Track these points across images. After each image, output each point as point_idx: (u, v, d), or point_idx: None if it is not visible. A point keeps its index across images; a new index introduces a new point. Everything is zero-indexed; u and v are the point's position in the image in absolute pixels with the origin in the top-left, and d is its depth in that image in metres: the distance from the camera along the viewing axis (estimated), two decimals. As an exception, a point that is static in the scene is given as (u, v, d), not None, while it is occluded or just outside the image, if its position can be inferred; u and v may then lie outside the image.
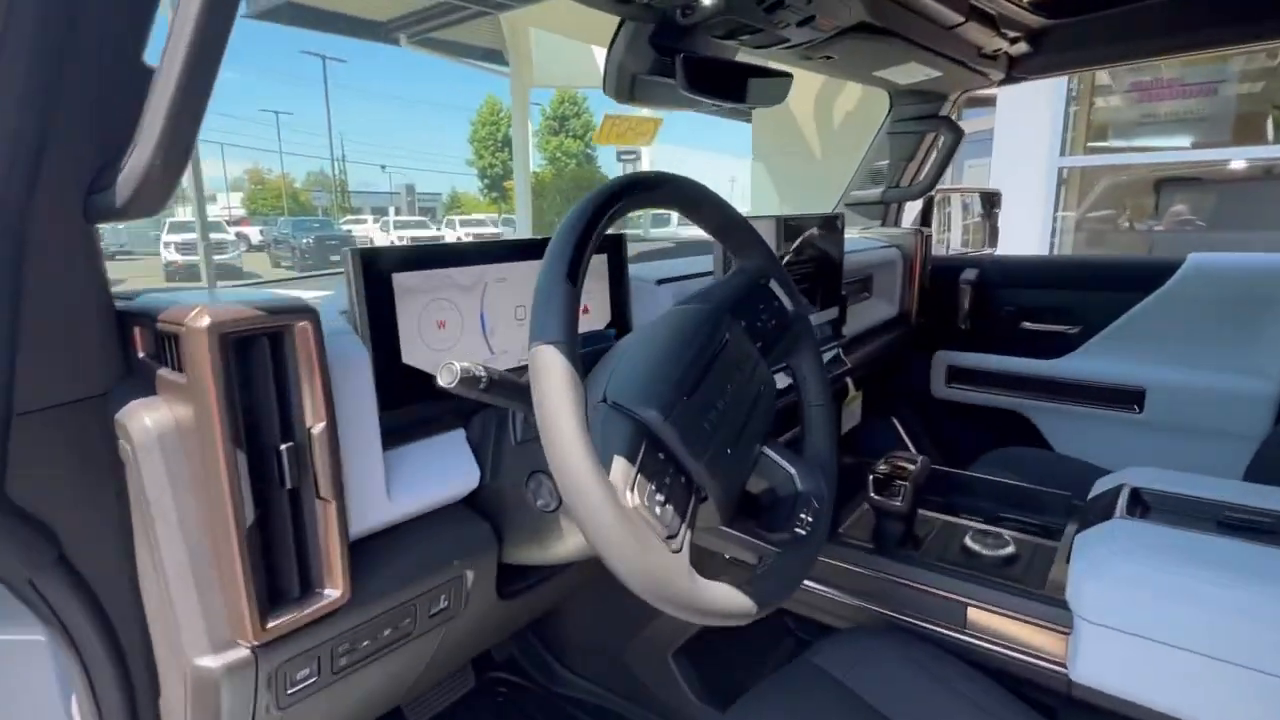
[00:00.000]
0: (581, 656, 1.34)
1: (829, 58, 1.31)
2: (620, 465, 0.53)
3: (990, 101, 5.33)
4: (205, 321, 0.48)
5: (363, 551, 0.63)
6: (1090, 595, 0.77)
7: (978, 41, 1.43)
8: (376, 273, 0.66)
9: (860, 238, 1.77)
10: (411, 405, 0.70)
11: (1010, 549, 0.93)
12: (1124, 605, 0.74)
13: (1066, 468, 1.54)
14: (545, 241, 0.80)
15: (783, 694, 0.83)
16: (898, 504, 0.95)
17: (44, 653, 0.61)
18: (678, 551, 0.53)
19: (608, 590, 1.26)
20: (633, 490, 0.52)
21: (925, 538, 1.00)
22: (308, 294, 0.68)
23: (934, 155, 1.81)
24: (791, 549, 0.67)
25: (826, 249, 1.30)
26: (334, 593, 0.58)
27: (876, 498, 0.96)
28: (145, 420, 0.51)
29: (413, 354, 0.70)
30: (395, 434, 0.68)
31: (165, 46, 0.43)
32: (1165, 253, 1.65)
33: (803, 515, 0.70)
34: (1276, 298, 1.44)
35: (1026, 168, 4.95)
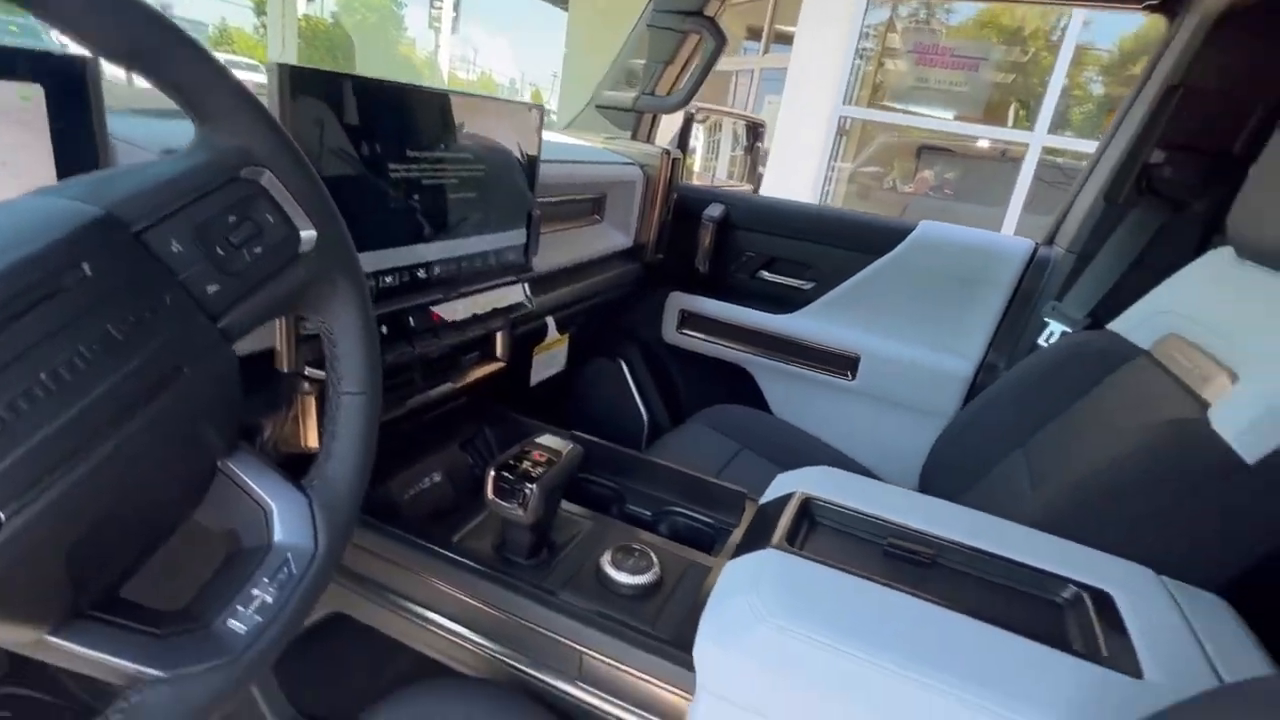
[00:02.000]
0: None
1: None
2: None
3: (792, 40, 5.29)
4: None
5: None
6: (713, 661, 0.58)
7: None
8: None
9: (601, 148, 1.48)
10: None
11: (653, 573, 0.73)
12: (753, 682, 0.56)
13: (775, 432, 1.44)
14: None
15: None
16: (520, 514, 0.70)
17: None
18: None
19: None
20: None
21: (562, 549, 0.77)
22: None
23: (695, 63, 1.55)
24: (206, 669, 0.38)
25: (515, 147, 0.98)
26: None
27: (498, 504, 0.71)
28: None
29: None
30: None
31: None
32: (915, 215, 1.56)
33: (255, 593, 0.41)
34: (988, 279, 1.42)
35: (812, 112, 5.02)
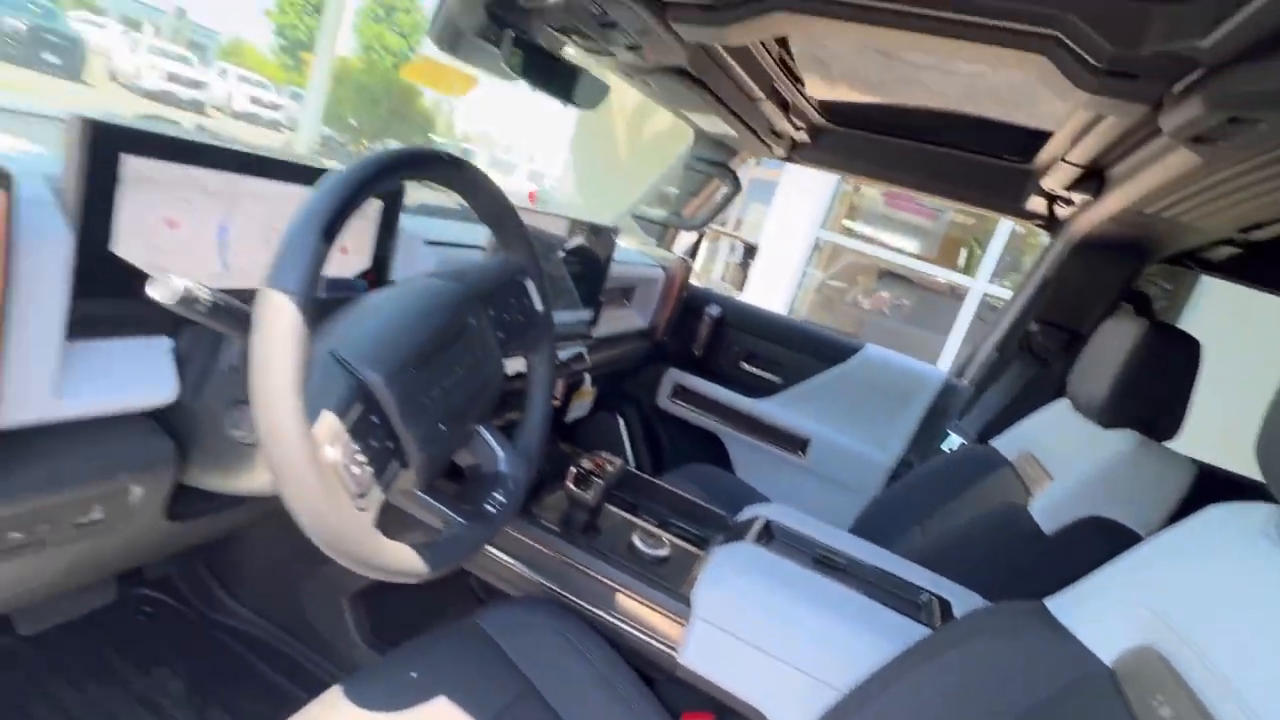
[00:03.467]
0: (250, 586, 1.29)
1: (647, 84, 1.41)
2: (328, 419, 0.56)
3: (784, 160, 6.01)
4: None
5: (11, 443, 0.57)
6: (706, 598, 0.96)
7: (771, 118, 1.65)
8: (104, 149, 0.60)
9: (636, 251, 1.92)
10: (116, 299, 0.64)
11: (665, 551, 1.11)
12: (731, 611, 0.94)
13: (737, 490, 1.84)
14: (316, 171, 0.78)
15: (441, 648, 0.90)
16: (588, 497, 1.08)
17: None
18: (363, 510, 0.58)
19: (291, 524, 1.23)
20: (334, 445, 0.55)
21: (604, 530, 1.14)
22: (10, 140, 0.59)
23: (715, 199, 2.03)
24: (476, 522, 0.75)
25: (597, 253, 1.41)
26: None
27: (573, 489, 1.08)
28: None
29: (129, 246, 0.64)
30: (89, 325, 0.62)
31: None
32: (869, 331, 2.03)
33: (495, 494, 0.78)
34: (911, 395, 1.87)
35: (794, 231, 5.66)
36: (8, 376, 0.55)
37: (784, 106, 1.63)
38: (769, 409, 1.99)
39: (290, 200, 0.78)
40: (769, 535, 1.14)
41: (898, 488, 1.61)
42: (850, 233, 6.40)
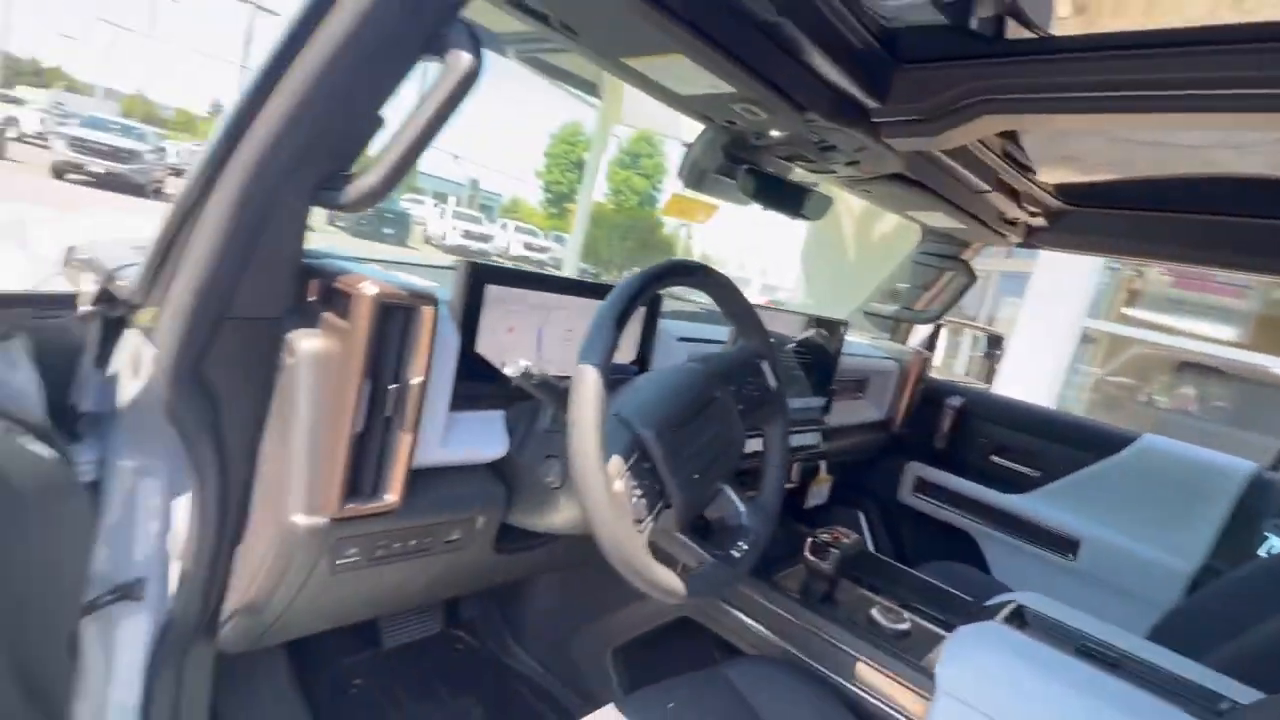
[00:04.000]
0: (532, 635, 1.53)
1: (868, 191, 1.55)
2: (616, 461, 0.74)
3: (1036, 248, 5.57)
4: (372, 292, 0.71)
5: (415, 478, 0.84)
6: (952, 675, 0.96)
7: (1000, 208, 1.67)
8: (477, 281, 0.90)
9: (869, 344, 1.99)
10: (473, 382, 0.92)
11: (906, 626, 1.11)
12: (981, 690, 0.93)
13: (992, 587, 1.72)
14: (600, 287, 1.04)
15: (688, 691, 1.02)
16: (825, 566, 1.14)
17: (162, 476, 0.82)
18: (640, 532, 0.74)
19: (572, 580, 1.46)
20: (620, 479, 0.74)
21: (843, 602, 1.19)
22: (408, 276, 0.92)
23: (948, 291, 2.04)
24: (724, 564, 0.88)
25: (827, 346, 1.52)
26: (392, 499, 0.79)
27: (810, 558, 1.16)
28: (310, 344, 0.73)
29: (485, 346, 0.92)
30: (459, 400, 0.90)
31: (409, 115, 0.67)
32: (1175, 434, 1.83)
33: (740, 543, 0.91)
34: (1210, 490, 1.63)
35: (1055, 322, 5.16)
36: (421, 434, 0.82)
37: (1013, 194, 1.64)
38: (1028, 505, 1.85)
39: (583, 311, 1.03)
40: (1021, 619, 1.09)
41: (1206, 597, 1.40)
42: (1133, 321, 5.62)
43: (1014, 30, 0.96)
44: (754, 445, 1.07)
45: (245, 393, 0.76)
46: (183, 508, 0.80)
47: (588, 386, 0.72)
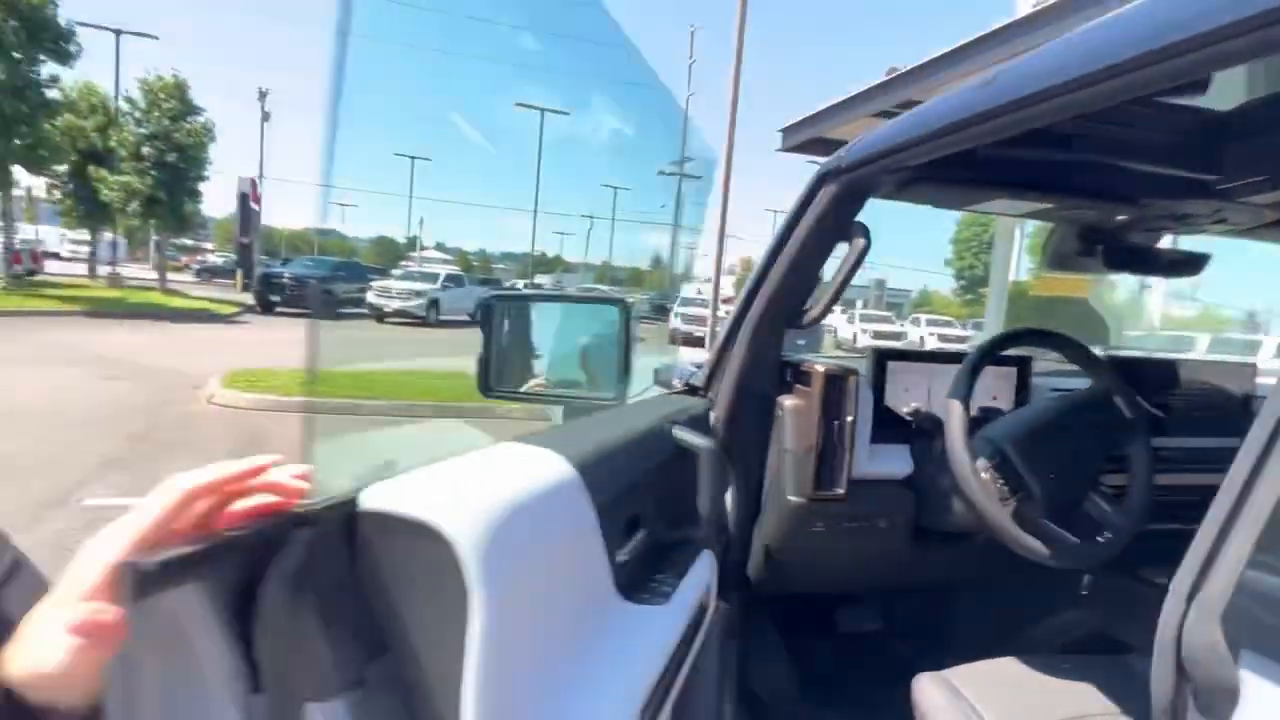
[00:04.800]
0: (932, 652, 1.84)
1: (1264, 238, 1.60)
2: (981, 461, 1.17)
3: None
4: (822, 369, 1.31)
5: (856, 485, 1.37)
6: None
7: None
8: (883, 360, 1.43)
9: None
10: (886, 428, 1.43)
11: None
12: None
13: None
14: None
15: None
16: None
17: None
18: (1005, 506, 1.14)
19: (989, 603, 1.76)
20: (985, 472, 1.15)
21: None
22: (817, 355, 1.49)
23: None
24: (1085, 544, 1.17)
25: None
26: (840, 491, 1.34)
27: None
28: (790, 401, 1.35)
29: (892, 401, 1.44)
30: (879, 434, 1.42)
31: (834, 274, 1.27)
32: None
33: (1106, 534, 1.19)
34: None
35: None
36: (856, 454, 1.36)
37: None
38: None
39: (949, 374, 1.47)
40: None
41: None
42: None
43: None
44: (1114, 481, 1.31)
45: (758, 428, 1.42)
46: (729, 493, 1.49)
47: (954, 410, 1.18)
